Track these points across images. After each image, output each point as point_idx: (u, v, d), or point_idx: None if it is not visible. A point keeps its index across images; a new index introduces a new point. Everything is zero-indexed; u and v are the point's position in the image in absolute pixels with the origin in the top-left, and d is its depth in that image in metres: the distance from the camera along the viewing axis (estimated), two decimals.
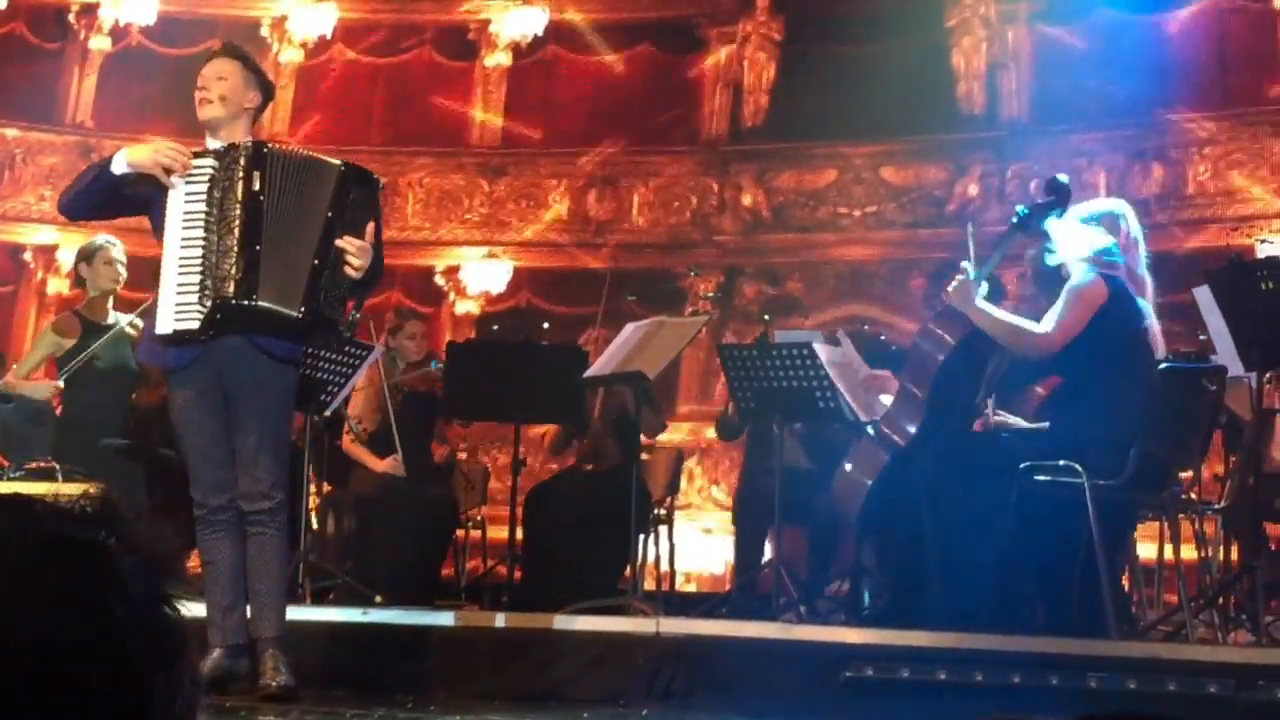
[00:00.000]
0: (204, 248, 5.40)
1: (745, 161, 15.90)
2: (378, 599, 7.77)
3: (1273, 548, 7.76)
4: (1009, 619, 6.11)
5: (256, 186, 5.41)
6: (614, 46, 16.23)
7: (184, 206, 5.44)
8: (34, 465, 7.57)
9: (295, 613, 5.84)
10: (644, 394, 8.24)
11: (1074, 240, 6.43)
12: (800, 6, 15.94)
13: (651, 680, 6.09)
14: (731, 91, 16.05)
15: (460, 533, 9.63)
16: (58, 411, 8.38)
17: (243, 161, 5.42)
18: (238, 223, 5.40)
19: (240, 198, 5.41)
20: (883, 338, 9.54)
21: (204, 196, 5.43)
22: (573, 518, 8.65)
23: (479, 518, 10.25)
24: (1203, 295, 7.04)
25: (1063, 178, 6.75)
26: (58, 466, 7.43)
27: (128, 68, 16.10)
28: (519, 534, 8.48)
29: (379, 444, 8.78)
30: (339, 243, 5.44)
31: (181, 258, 5.42)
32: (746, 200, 15.72)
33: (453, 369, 8.61)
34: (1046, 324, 6.35)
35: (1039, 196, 6.80)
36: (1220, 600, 7.39)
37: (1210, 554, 7.89)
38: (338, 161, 5.62)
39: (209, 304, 5.38)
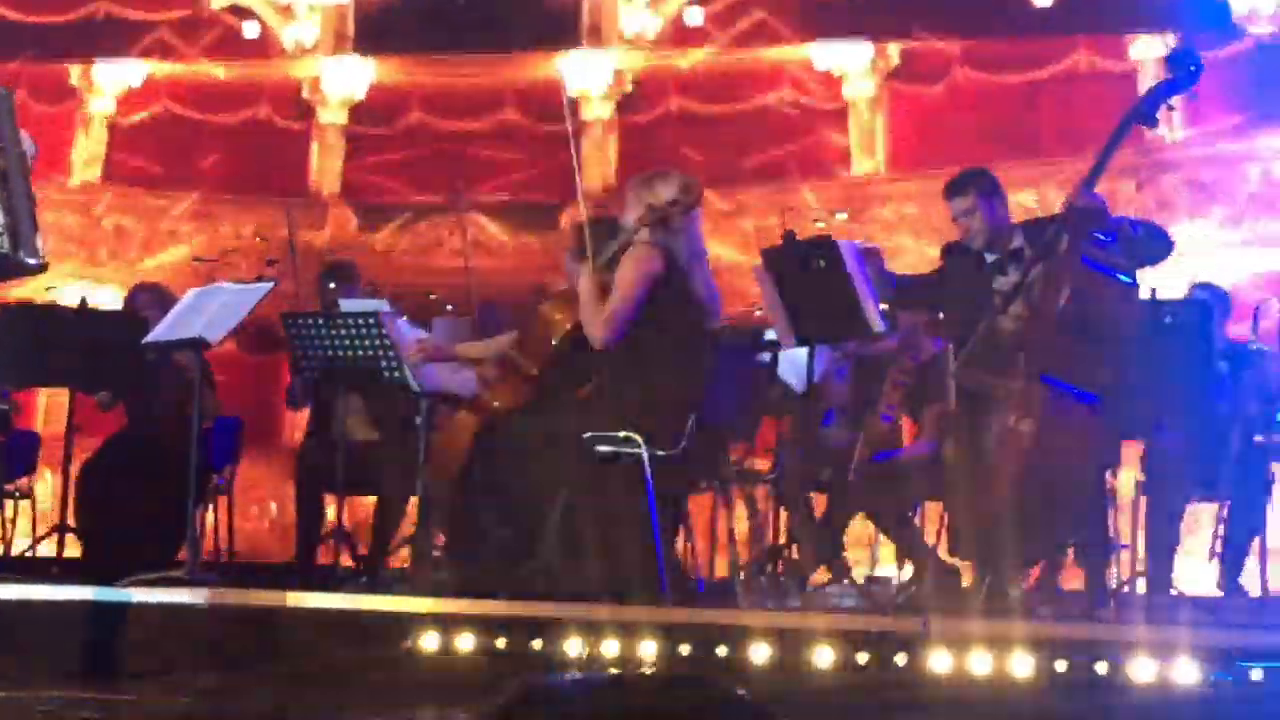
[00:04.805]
0: None
1: None
2: None
3: (818, 517, 8.10)
4: (571, 586, 6.23)
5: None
6: None
7: None
8: None
9: None
10: (203, 372, 8.04)
11: (632, 205, 6.50)
12: None
13: (209, 652, 6.01)
14: None
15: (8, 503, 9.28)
16: None
17: None
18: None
19: None
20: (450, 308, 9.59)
21: None
22: (129, 488, 8.43)
23: (27, 487, 9.85)
24: (761, 272, 7.29)
25: None
26: None
27: None
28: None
29: None
30: None
31: None
32: None
33: (2, 333, 8.27)
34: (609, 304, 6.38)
35: None
36: (769, 567, 7.70)
37: (761, 523, 8.20)
38: None
39: None
